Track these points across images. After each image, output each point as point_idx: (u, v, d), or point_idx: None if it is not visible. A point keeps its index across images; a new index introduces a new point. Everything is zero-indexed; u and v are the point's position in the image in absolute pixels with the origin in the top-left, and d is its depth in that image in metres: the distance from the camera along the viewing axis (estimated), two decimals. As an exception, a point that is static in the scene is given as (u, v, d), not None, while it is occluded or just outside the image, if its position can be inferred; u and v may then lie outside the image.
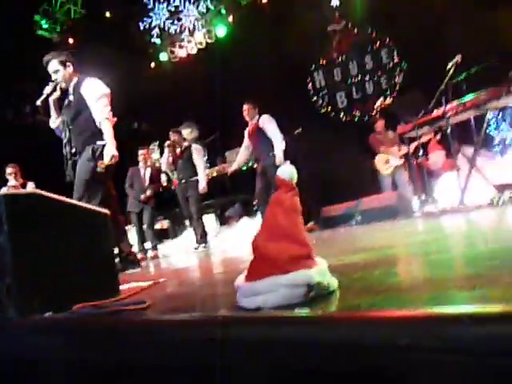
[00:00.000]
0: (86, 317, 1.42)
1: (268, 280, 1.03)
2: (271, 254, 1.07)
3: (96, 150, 3.25)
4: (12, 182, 5.24)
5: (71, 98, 3.40)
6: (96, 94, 3.32)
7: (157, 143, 8.68)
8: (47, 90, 3.36)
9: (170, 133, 5.89)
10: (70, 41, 8.26)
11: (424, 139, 5.49)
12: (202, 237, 5.71)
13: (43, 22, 8.29)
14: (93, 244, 1.75)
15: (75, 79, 3.42)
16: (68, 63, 3.42)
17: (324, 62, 9.01)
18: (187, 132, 6.93)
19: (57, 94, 3.40)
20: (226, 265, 3.00)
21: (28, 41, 7.70)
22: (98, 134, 3.30)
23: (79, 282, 1.66)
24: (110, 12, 8.11)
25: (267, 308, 0.99)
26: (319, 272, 1.05)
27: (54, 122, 3.50)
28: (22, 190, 1.70)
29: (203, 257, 4.87)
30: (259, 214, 6.03)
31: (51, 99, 3.41)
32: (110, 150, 3.24)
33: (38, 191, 1.63)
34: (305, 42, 8.17)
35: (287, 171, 1.19)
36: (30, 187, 4.96)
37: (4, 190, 4.18)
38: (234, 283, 1.15)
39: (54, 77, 3.38)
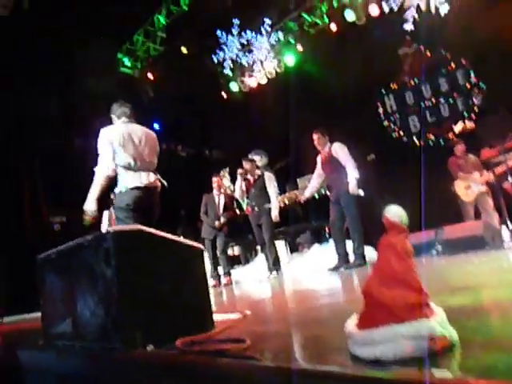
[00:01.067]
0: (188, 354, 1.45)
1: (385, 329, 0.99)
2: (386, 301, 1.03)
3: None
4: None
5: None
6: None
7: (227, 170, 8.88)
8: None
9: (243, 161, 6.02)
10: (150, 76, 8.85)
11: (511, 163, 5.13)
12: (275, 264, 5.71)
13: (125, 59, 8.96)
14: (189, 277, 1.80)
15: None
16: (110, 117, 3.49)
17: (395, 85, 8.84)
18: (257, 159, 7.06)
19: None
20: (306, 299, 2.96)
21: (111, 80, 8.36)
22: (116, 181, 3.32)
23: (177, 314, 1.71)
24: (185, 47, 8.59)
25: (386, 359, 0.95)
26: (440, 322, 0.99)
27: None
28: (127, 226, 1.80)
29: (277, 285, 4.84)
30: (331, 242, 5.93)
31: None
32: (85, 204, 3.21)
33: (141, 227, 1.72)
34: (374, 66, 8.08)
35: (396, 212, 1.16)
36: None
37: (106, 214, 4.46)
38: (328, 325, 1.12)
39: None
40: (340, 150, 5.16)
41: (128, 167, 3.24)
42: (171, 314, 1.70)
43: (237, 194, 6.06)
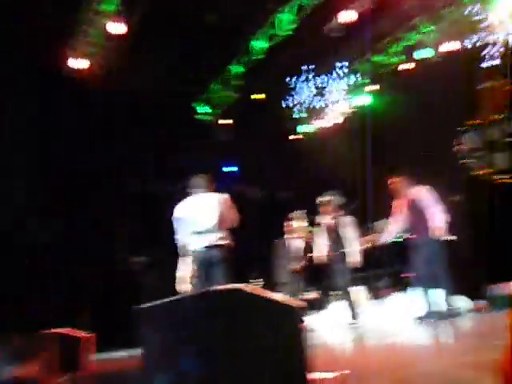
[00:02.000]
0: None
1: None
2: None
3: None
4: None
5: None
6: None
7: (299, 212, 8.82)
8: None
9: (321, 204, 5.94)
10: (225, 122, 9.22)
11: None
12: (353, 311, 5.49)
13: (200, 108, 9.35)
14: (285, 336, 1.76)
15: None
16: None
17: (478, 121, 8.40)
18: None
19: None
20: (402, 360, 2.79)
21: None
22: None
23: (273, 373, 1.68)
24: (259, 93, 8.89)
25: None
26: None
27: None
28: (227, 286, 1.83)
29: (360, 336, 4.64)
30: (413, 289, 5.60)
31: None
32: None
33: (240, 286, 1.73)
34: (456, 99, 7.80)
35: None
36: None
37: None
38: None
39: None
40: (425, 194, 4.95)
41: (194, 233, 3.93)
42: (267, 373, 1.67)
43: (319, 240, 5.93)
